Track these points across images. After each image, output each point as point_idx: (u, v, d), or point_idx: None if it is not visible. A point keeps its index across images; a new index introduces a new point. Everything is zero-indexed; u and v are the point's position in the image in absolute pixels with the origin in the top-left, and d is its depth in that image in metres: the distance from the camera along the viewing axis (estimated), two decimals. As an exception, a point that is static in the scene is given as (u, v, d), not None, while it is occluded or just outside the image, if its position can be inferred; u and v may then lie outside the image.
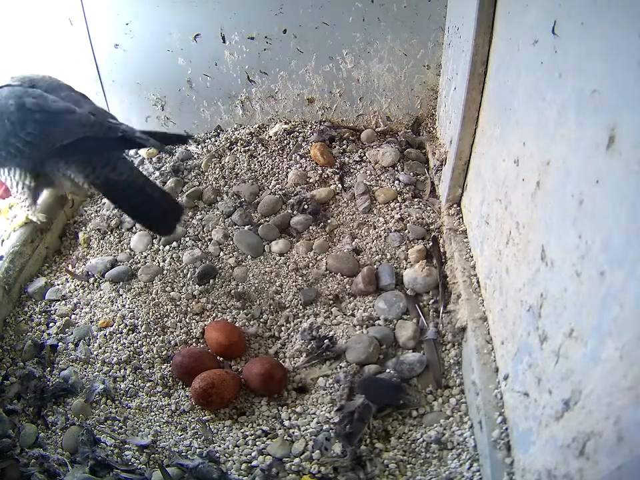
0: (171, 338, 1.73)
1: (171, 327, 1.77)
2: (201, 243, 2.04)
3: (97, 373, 1.63)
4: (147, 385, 1.61)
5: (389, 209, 2.07)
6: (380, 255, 1.92)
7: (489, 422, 1.28)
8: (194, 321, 1.79)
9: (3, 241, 1.93)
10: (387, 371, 1.57)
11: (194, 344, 1.73)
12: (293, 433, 1.45)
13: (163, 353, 1.69)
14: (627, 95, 0.83)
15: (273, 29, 2.22)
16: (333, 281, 1.87)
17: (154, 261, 1.98)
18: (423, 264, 1.80)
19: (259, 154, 2.32)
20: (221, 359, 1.69)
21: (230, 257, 1.97)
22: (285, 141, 2.36)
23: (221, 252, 2.00)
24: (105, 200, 2.16)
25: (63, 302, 1.85)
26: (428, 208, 2.06)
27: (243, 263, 1.96)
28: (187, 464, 1.34)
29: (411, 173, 2.20)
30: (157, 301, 1.83)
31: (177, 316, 1.80)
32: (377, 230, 2.00)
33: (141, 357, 1.68)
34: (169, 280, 1.91)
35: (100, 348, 1.70)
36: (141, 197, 1.82)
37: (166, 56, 2.29)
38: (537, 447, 1.07)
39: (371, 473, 1.34)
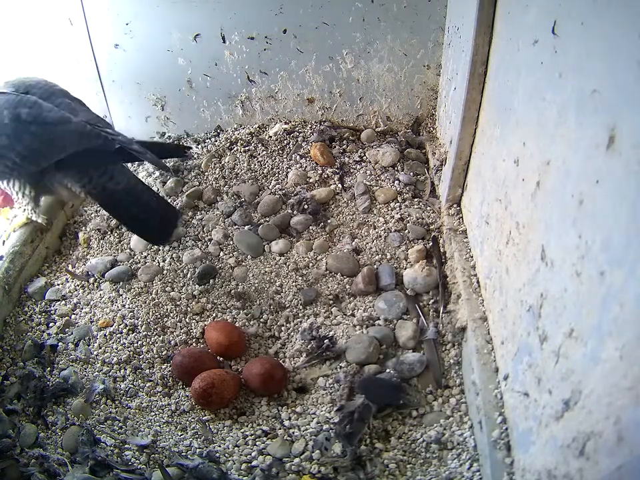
0: (171, 338, 1.73)
1: (171, 327, 1.77)
2: (201, 242, 2.04)
3: (96, 373, 1.63)
4: (146, 385, 1.61)
5: (389, 208, 2.07)
6: (380, 255, 1.92)
7: (488, 422, 1.28)
8: (194, 321, 1.79)
9: (3, 241, 1.93)
10: (387, 371, 1.57)
11: (194, 344, 1.73)
12: (293, 432, 1.45)
13: (163, 353, 1.69)
14: (627, 95, 0.83)
15: (273, 29, 2.22)
16: (332, 281, 1.87)
17: (154, 260, 1.98)
18: (423, 264, 1.80)
19: (259, 154, 2.32)
20: (221, 359, 1.69)
21: (230, 257, 1.97)
22: (285, 141, 2.35)
23: (221, 252, 2.00)
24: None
25: (63, 302, 1.86)
26: (428, 208, 2.06)
27: (243, 263, 1.96)
28: (186, 464, 1.34)
29: (411, 173, 2.20)
30: (156, 301, 1.83)
31: (177, 316, 1.80)
32: (377, 230, 2.00)
33: (140, 357, 1.68)
34: (169, 280, 1.91)
35: (100, 348, 1.70)
36: (139, 206, 1.81)
37: (166, 56, 2.29)
38: (537, 447, 1.07)
39: (371, 473, 1.34)
